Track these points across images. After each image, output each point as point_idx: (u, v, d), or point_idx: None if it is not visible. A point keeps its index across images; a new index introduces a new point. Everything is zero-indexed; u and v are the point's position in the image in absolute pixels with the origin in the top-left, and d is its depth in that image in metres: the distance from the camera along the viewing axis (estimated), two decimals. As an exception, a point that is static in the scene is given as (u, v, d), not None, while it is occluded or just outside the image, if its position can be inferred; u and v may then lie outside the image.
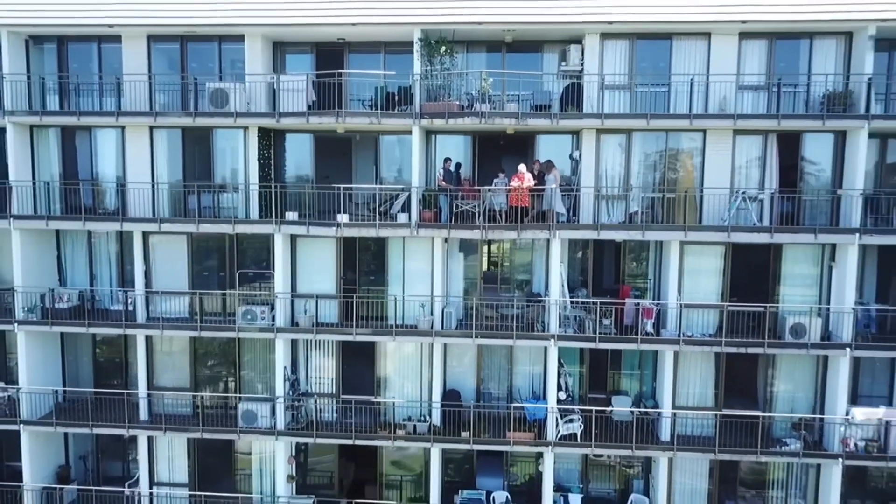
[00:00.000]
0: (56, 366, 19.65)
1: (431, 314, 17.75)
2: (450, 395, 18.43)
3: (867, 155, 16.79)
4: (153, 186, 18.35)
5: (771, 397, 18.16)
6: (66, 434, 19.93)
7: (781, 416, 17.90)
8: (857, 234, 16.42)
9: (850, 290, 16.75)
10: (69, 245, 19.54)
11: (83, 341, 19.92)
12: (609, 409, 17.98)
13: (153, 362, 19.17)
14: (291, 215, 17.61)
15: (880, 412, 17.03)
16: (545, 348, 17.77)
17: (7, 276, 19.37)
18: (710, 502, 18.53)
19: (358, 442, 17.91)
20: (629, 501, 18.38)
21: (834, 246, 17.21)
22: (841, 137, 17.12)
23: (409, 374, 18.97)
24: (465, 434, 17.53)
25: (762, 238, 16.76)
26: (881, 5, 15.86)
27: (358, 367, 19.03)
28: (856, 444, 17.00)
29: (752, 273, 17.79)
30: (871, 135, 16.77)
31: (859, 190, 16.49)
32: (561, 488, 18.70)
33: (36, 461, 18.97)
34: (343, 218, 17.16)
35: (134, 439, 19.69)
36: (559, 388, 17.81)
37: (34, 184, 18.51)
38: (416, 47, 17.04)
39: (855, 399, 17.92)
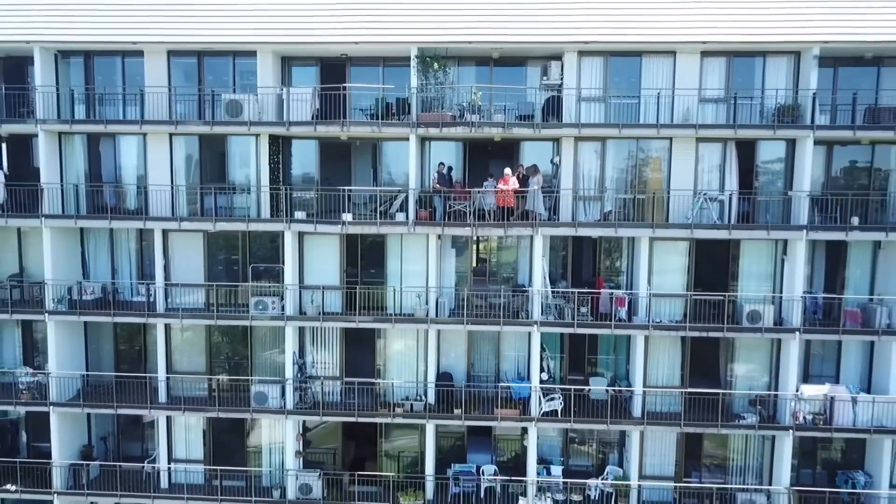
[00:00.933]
0: (80, 353, 21.30)
1: (427, 304, 19.60)
2: (443, 377, 20.32)
3: (817, 160, 19.06)
4: (172, 188, 20.10)
5: (731, 377, 20.23)
6: (88, 416, 21.58)
7: (740, 393, 19.98)
8: (805, 231, 18.51)
9: (799, 280, 18.84)
10: (92, 242, 21.21)
11: (104, 330, 21.59)
12: (587, 388, 20.01)
13: (171, 350, 20.91)
14: (300, 214, 19.41)
15: (825, 389, 19.15)
16: (529, 334, 19.68)
17: (34, 271, 21.13)
18: (678, 473, 20.56)
19: (361, 419, 19.78)
20: (605, 472, 20.34)
21: (785, 241, 19.27)
22: (791, 145, 19.20)
23: (406, 359, 20.86)
24: (457, 411, 19.45)
25: (722, 234, 18.80)
26: (824, 29, 17.98)
27: (360, 352, 20.88)
28: (804, 418, 19.07)
29: (713, 266, 19.81)
30: (818, 142, 18.90)
31: (806, 192, 18.57)
32: (544, 461, 20.65)
33: (63, 440, 20.60)
34: (347, 217, 19.03)
35: (151, 423, 21.46)
36: (542, 370, 19.74)
37: (62, 186, 20.19)
38: (413, 63, 18.90)
39: (806, 378, 20.05)
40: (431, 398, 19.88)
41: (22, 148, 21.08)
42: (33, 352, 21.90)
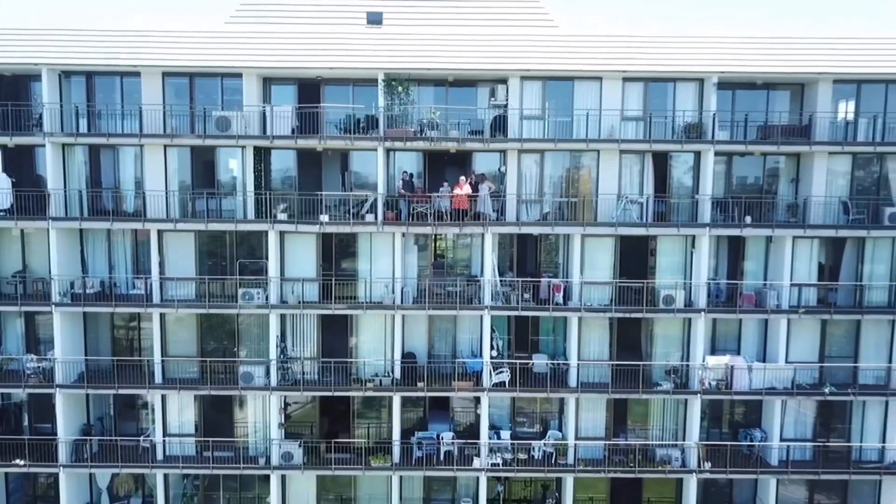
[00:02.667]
0: (80, 341, 23.63)
1: (393, 293, 22.66)
2: (407, 356, 23.43)
3: (719, 169, 22.90)
4: (166, 193, 22.67)
5: (650, 350, 23.91)
6: (87, 399, 23.93)
7: (658, 364, 23.61)
8: (708, 228, 22.28)
9: (704, 269, 22.55)
10: (90, 241, 23.56)
11: (102, 321, 23.98)
12: (531, 363, 23.39)
13: (166, 338, 23.40)
14: (282, 216, 22.25)
15: (726, 359, 22.98)
16: (481, 317, 22.90)
17: (36, 268, 23.44)
18: (608, 434, 24.15)
19: (336, 394, 22.79)
20: (547, 435, 23.76)
21: (693, 237, 22.95)
22: (697, 156, 22.91)
23: (375, 341, 23.88)
24: (420, 384, 22.63)
25: (641, 231, 22.45)
26: (720, 62, 21.83)
27: (334, 336, 23.75)
28: (710, 384, 22.85)
29: (635, 257, 23.37)
30: (719, 154, 22.63)
31: (709, 195, 22.31)
32: (494, 427, 23.88)
33: (67, 419, 22.97)
34: (324, 217, 21.97)
35: (144, 404, 24.00)
36: (492, 348, 23.00)
37: (65, 191, 22.55)
38: (380, 86, 21.96)
39: (714, 351, 23.73)
40: (398, 374, 22.96)
41: (20, 157, 23.16)
42: (35, 341, 24.11)
